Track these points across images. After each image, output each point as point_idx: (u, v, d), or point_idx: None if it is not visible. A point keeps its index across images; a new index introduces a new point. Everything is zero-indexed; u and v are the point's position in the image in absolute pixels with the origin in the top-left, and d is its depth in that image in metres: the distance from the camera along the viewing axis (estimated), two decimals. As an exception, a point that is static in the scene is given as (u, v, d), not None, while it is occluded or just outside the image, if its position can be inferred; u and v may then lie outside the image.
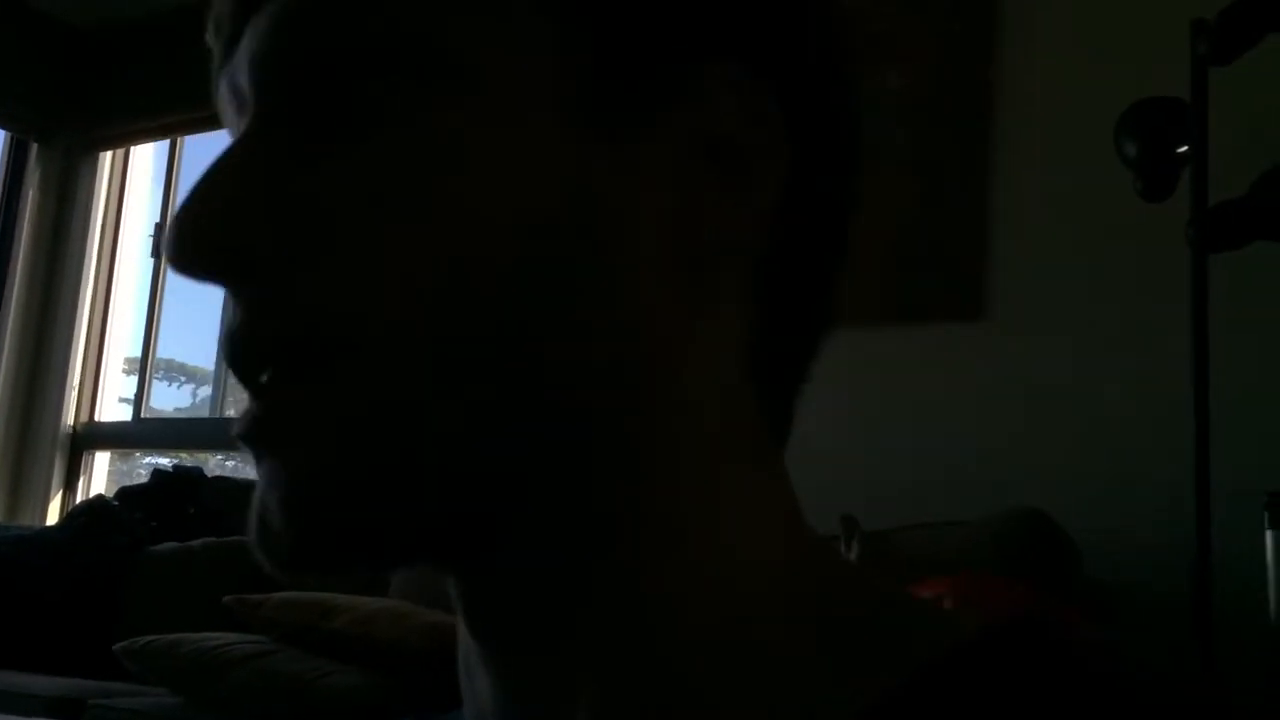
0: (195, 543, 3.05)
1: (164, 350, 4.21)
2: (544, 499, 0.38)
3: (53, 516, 3.87)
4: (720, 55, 0.39)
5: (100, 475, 4.12)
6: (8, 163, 4.20)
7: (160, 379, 4.31)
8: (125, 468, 4.36)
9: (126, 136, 4.13)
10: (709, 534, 0.39)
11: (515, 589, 0.39)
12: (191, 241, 0.36)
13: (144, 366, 4.12)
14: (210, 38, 0.42)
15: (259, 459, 0.38)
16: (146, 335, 4.13)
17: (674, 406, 0.39)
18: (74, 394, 4.05)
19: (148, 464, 4.18)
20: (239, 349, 0.37)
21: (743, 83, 0.39)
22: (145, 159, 4.27)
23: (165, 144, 4.18)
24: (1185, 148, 1.74)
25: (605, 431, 0.38)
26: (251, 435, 0.38)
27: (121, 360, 4.21)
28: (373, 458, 0.36)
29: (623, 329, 0.38)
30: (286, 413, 0.37)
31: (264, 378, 0.37)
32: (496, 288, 0.36)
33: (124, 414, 4.14)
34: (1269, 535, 1.71)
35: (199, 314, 4.22)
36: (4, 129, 4.20)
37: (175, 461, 3.79)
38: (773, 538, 0.40)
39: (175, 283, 4.15)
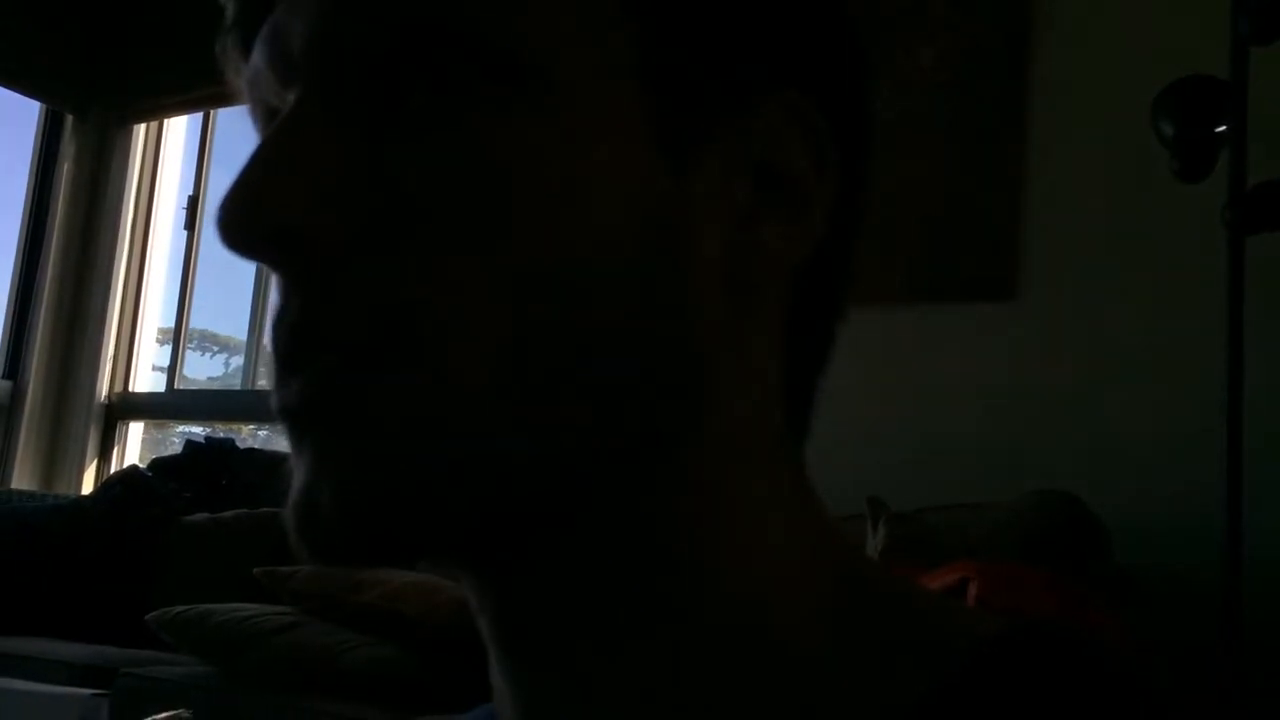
0: (227, 514, 3.08)
1: (197, 320, 4.24)
2: (599, 508, 0.38)
3: (87, 486, 3.91)
4: (783, 84, 0.40)
5: (134, 445, 4.16)
6: (43, 136, 4.23)
7: (194, 349, 4.34)
8: (159, 437, 4.40)
9: (160, 109, 4.14)
10: (748, 545, 0.39)
11: (539, 598, 0.39)
12: (252, 218, 0.35)
13: (177, 337, 4.15)
14: (231, 11, 0.41)
15: (306, 440, 0.37)
16: (180, 306, 4.15)
17: (722, 422, 0.39)
18: (108, 365, 4.08)
19: (181, 433, 4.21)
20: (292, 333, 0.36)
21: (802, 112, 0.40)
22: (179, 132, 4.29)
23: (199, 117, 4.19)
24: (1224, 128, 1.72)
25: (661, 445, 0.38)
26: (305, 415, 0.36)
27: (155, 330, 4.25)
28: (439, 454, 0.35)
29: (684, 347, 0.38)
30: (353, 399, 0.35)
31: (320, 363, 0.36)
32: (569, 298, 0.36)
33: (158, 384, 4.18)
34: (1302, 521, 1.70)
35: (232, 284, 4.25)
36: (39, 102, 4.22)
37: (208, 433, 3.82)
38: (805, 546, 0.40)
39: (208, 253, 4.17)
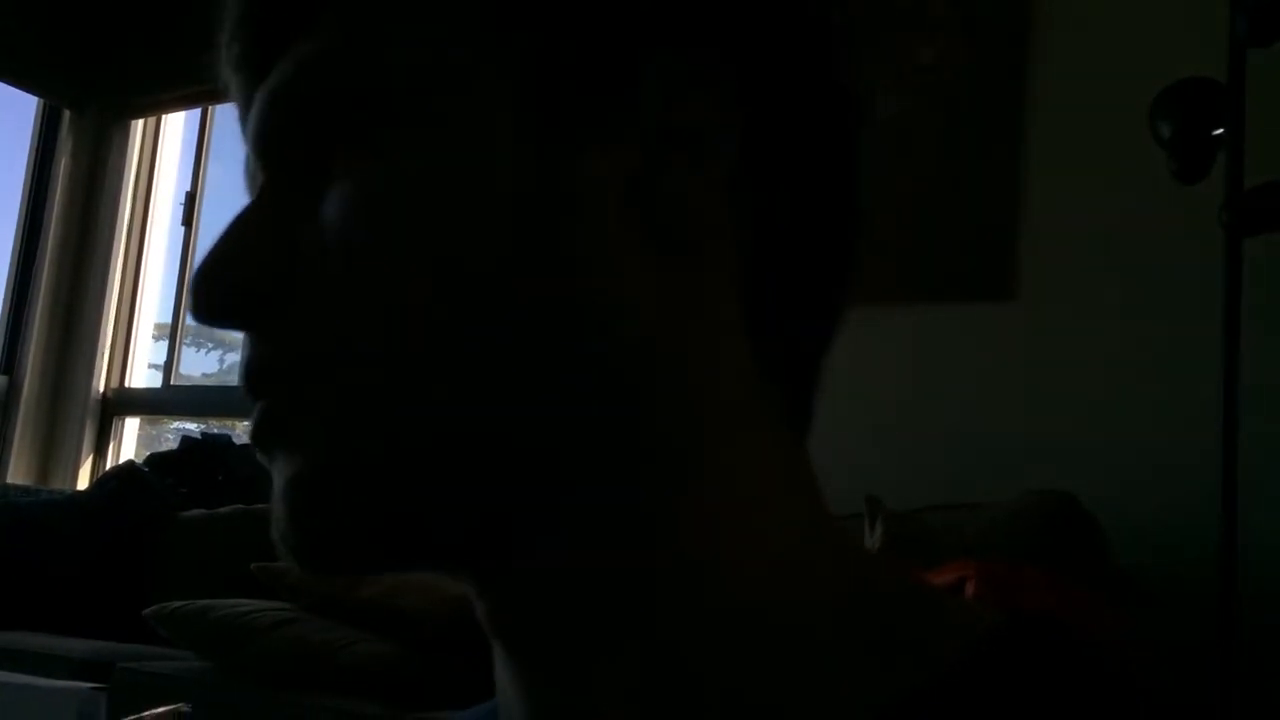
0: (224, 509, 3.08)
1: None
2: (549, 500, 0.38)
3: (83, 481, 3.91)
4: (664, 43, 0.40)
5: (130, 441, 4.15)
6: (40, 131, 4.23)
7: (190, 345, 4.34)
8: (155, 432, 4.40)
9: (158, 105, 4.14)
10: (726, 526, 0.39)
11: (531, 595, 0.40)
12: (207, 293, 0.40)
13: (174, 332, 4.15)
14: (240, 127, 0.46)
15: (271, 462, 0.41)
16: (177, 301, 4.15)
17: (678, 398, 0.39)
18: (105, 360, 4.08)
19: (177, 429, 4.21)
20: (252, 375, 0.41)
21: (700, 65, 0.40)
22: (176, 128, 4.28)
23: (196, 113, 4.19)
24: (1221, 130, 1.72)
25: (606, 426, 0.38)
26: (256, 439, 0.41)
27: (152, 326, 4.24)
28: (363, 460, 0.38)
29: (610, 323, 0.38)
30: (281, 417, 0.40)
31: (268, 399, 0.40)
32: (476, 301, 0.38)
33: (154, 380, 4.17)
34: (1298, 522, 1.70)
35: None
36: (36, 97, 4.22)
37: (204, 428, 3.82)
38: (802, 538, 0.40)
39: (206, 248, 4.16)
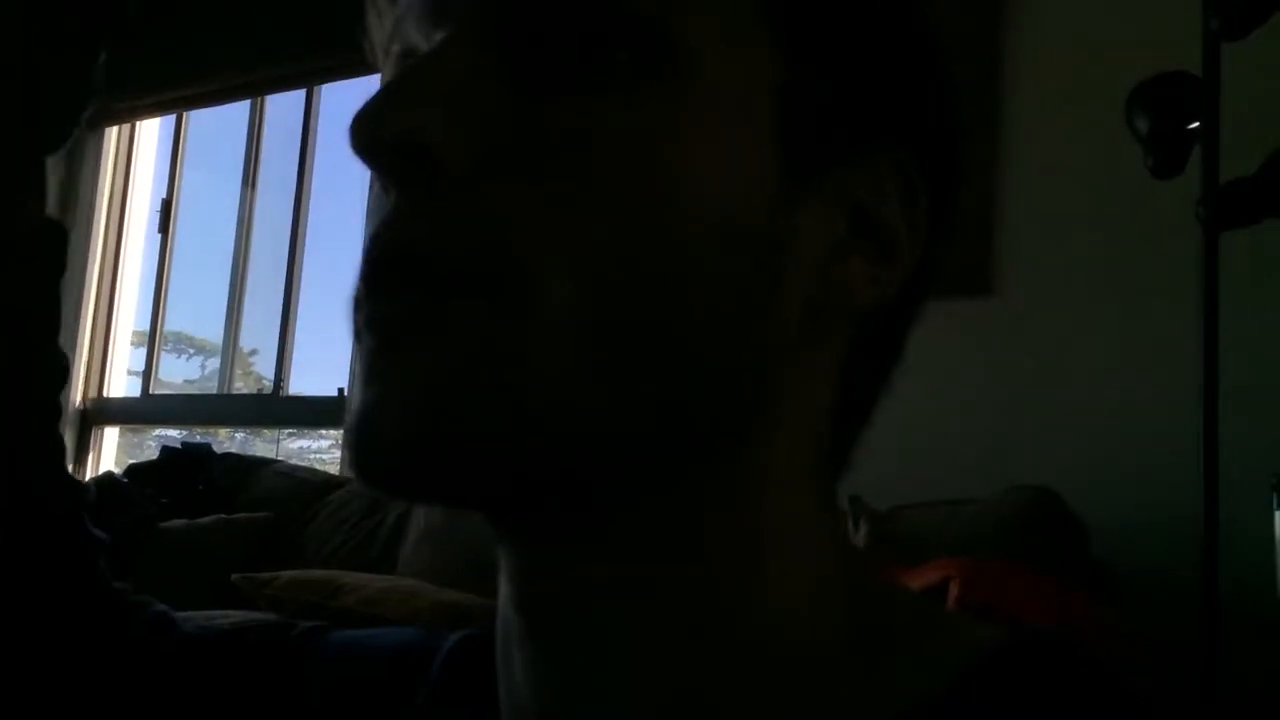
0: (204, 520, 3.06)
1: (172, 322, 4.22)
2: (642, 488, 0.39)
3: (63, 492, 3.88)
4: (896, 141, 0.42)
5: (110, 451, 4.13)
6: (14, 138, 4.20)
7: (169, 351, 4.32)
8: (135, 442, 4.38)
9: (132, 111, 4.12)
10: (777, 557, 0.40)
11: (587, 569, 0.40)
12: (388, 121, 0.36)
13: (152, 340, 4.13)
14: None
15: (382, 357, 0.37)
16: (154, 308, 4.13)
17: (772, 440, 0.41)
18: (83, 370, 4.06)
19: (157, 438, 4.19)
20: (401, 250, 0.36)
21: (907, 170, 0.42)
22: (151, 134, 4.27)
23: (171, 119, 4.18)
24: (1197, 124, 1.73)
25: (712, 446, 0.39)
26: (390, 332, 0.37)
27: (130, 334, 4.22)
28: (505, 390, 0.36)
29: (756, 359, 0.39)
30: (437, 321, 0.36)
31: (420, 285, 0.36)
32: (664, 273, 0.37)
33: (133, 387, 4.15)
34: (1278, 517, 1.71)
35: (207, 286, 4.23)
36: (9, 104, 4.19)
37: (184, 437, 3.81)
38: (826, 561, 0.42)
39: (182, 256, 4.15)
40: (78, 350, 4.05)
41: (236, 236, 3.96)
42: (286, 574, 2.26)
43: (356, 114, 0.36)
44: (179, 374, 4.49)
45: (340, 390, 3.49)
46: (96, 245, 4.11)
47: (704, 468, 0.39)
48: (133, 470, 3.41)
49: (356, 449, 0.36)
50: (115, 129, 4.20)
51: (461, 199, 0.36)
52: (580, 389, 0.36)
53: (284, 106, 3.93)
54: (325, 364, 3.78)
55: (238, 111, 3.98)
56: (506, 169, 0.36)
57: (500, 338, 0.36)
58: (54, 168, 4.04)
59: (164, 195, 4.17)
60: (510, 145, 0.37)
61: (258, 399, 3.90)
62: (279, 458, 3.65)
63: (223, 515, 3.06)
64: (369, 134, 0.36)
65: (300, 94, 3.83)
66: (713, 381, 0.38)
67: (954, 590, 1.45)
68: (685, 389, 0.38)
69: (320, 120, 3.81)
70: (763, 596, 0.40)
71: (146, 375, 4.10)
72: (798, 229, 0.40)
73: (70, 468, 3.35)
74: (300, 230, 3.76)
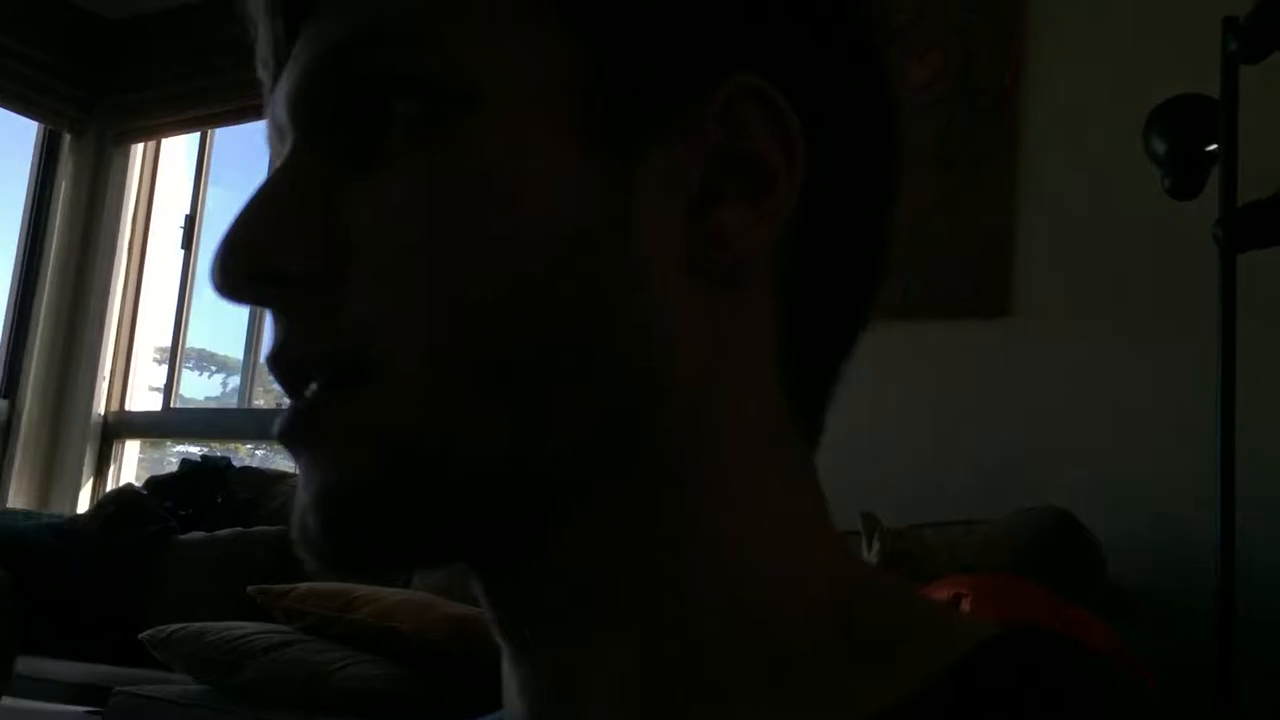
0: (222, 532, 3.07)
1: (194, 340, 4.24)
2: (577, 509, 0.39)
3: (83, 505, 3.90)
4: (736, 66, 0.40)
5: (130, 464, 4.15)
6: (41, 154, 4.24)
7: (190, 368, 4.34)
8: (156, 456, 4.40)
9: (158, 129, 4.15)
10: (740, 539, 0.39)
11: (543, 592, 0.40)
12: (233, 266, 0.38)
13: (174, 356, 4.15)
14: (260, 73, 0.44)
15: (298, 457, 0.40)
16: (177, 325, 4.16)
17: (708, 415, 0.40)
18: (105, 383, 4.08)
19: (177, 453, 4.21)
20: (284, 366, 0.39)
21: (761, 93, 0.39)
22: (177, 151, 4.30)
23: (196, 136, 4.21)
24: (1214, 146, 1.73)
25: (639, 442, 0.39)
26: (290, 433, 0.39)
27: (152, 349, 4.24)
28: (407, 467, 0.38)
29: (653, 341, 0.38)
30: (325, 416, 0.38)
31: (309, 390, 0.39)
32: (523, 309, 0.37)
33: (154, 403, 4.17)
34: (1295, 539, 1.70)
35: (229, 304, 4.24)
36: (37, 120, 4.24)
37: (204, 452, 3.82)
38: (800, 541, 0.41)
39: (206, 272, 4.16)
40: (100, 364, 4.08)
41: (259, 253, 3.97)
42: (302, 586, 2.26)
43: (212, 267, 0.39)
44: (200, 391, 4.51)
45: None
46: (120, 261, 4.13)
47: (628, 473, 0.39)
48: (152, 482, 3.43)
49: (296, 541, 0.40)
50: (140, 145, 4.23)
51: (316, 306, 0.38)
52: (469, 441, 0.37)
53: (307, 124, 3.94)
54: (345, 380, 3.77)
55: (261, 129, 4.00)
56: (341, 266, 0.38)
57: (380, 420, 0.37)
58: (80, 184, 4.07)
59: (188, 212, 4.20)
60: (340, 239, 0.38)
61: (278, 414, 3.90)
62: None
63: (241, 528, 3.07)
64: (228, 285, 0.39)
65: (323, 112, 3.85)
66: (603, 389, 0.38)
67: (965, 607, 1.45)
68: (574, 407, 0.38)
69: (343, 138, 3.83)
70: (732, 592, 0.39)
71: (168, 391, 4.12)
72: (644, 200, 0.38)
73: (92, 480, 3.37)
74: (322, 247, 3.77)
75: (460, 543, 0.39)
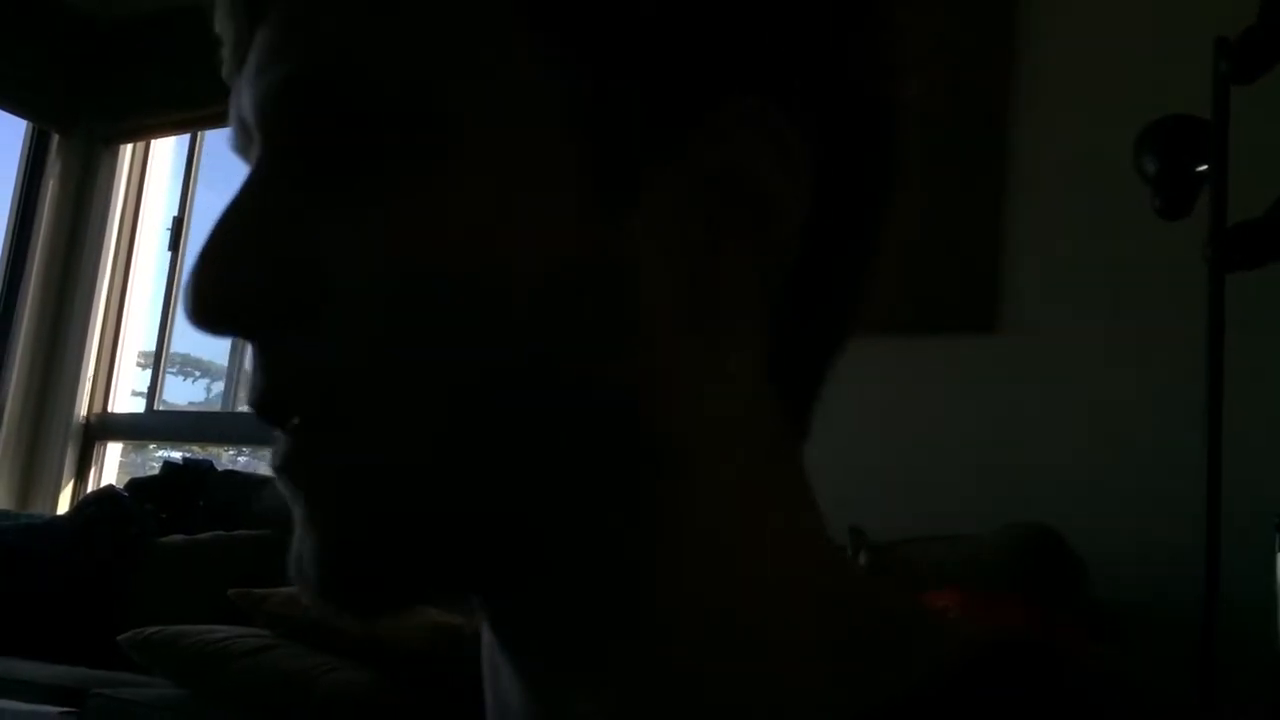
0: (203, 536, 3.06)
1: (178, 345, 4.23)
2: (567, 537, 0.38)
3: (63, 506, 3.88)
4: (738, 90, 0.38)
5: (112, 466, 4.13)
6: (28, 154, 4.23)
7: (174, 373, 4.33)
8: (138, 459, 4.37)
9: (147, 130, 4.15)
10: (731, 552, 0.39)
11: (538, 611, 0.40)
12: (204, 302, 0.37)
13: (158, 360, 4.13)
14: (224, 58, 0.42)
15: (294, 494, 0.39)
16: (161, 329, 4.14)
17: (696, 435, 0.39)
18: (88, 385, 4.06)
19: (160, 456, 4.19)
20: (263, 400, 0.38)
21: (763, 118, 0.37)
22: (165, 152, 4.29)
23: (185, 138, 4.20)
24: (1205, 166, 1.73)
25: (626, 469, 0.38)
26: (283, 472, 0.39)
27: (136, 354, 4.23)
28: (385, 508, 0.37)
29: (640, 372, 0.37)
30: (305, 459, 0.38)
31: (293, 423, 0.38)
32: (506, 351, 0.36)
33: (137, 407, 4.15)
34: None
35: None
36: (25, 120, 4.22)
37: (186, 454, 3.81)
38: (790, 551, 0.40)
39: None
40: (83, 365, 4.06)
41: (246, 257, 3.96)
42: (283, 590, 2.25)
43: (184, 301, 0.38)
44: (183, 396, 4.50)
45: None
46: (107, 262, 4.12)
47: (634, 490, 0.38)
48: (134, 485, 3.41)
49: (294, 580, 0.39)
50: (129, 146, 4.22)
51: (286, 350, 0.37)
52: (457, 487, 0.37)
53: (298, 129, 3.94)
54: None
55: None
56: (303, 309, 0.37)
57: (361, 470, 0.37)
58: (67, 184, 4.06)
59: (176, 213, 4.19)
60: (310, 276, 0.37)
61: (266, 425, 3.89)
62: (280, 477, 3.64)
63: (222, 532, 3.06)
64: (202, 321, 0.38)
65: (314, 116, 3.84)
66: (595, 431, 0.37)
67: (952, 622, 1.45)
68: (566, 448, 0.37)
69: (333, 143, 3.82)
70: (719, 603, 0.38)
71: (151, 395, 4.10)
72: (640, 236, 0.37)
73: (73, 481, 3.36)
74: (309, 252, 3.76)
75: (454, 585, 0.40)
